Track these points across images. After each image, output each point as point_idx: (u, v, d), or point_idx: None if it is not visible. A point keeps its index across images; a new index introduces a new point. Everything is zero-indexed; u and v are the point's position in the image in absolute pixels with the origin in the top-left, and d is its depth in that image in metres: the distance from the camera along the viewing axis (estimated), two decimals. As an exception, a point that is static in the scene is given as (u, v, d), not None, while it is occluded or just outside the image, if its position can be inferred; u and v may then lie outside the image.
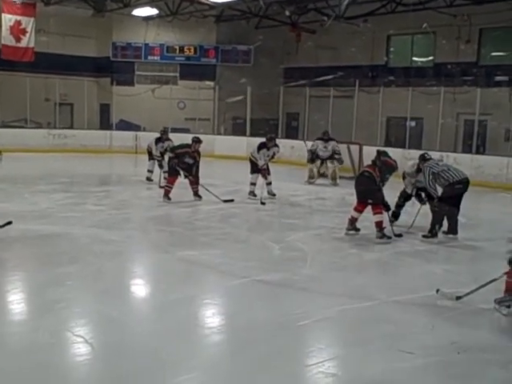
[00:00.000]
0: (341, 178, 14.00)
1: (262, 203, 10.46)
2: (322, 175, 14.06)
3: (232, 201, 10.70)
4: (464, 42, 18.28)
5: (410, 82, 18.29)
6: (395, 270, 6.79)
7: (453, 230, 8.11)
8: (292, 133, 21.26)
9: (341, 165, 14.03)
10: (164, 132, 12.97)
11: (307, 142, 15.94)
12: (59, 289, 5.46)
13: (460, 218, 8.14)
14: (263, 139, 11.56)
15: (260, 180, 11.20)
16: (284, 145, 15.50)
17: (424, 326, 4.90)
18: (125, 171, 15.70)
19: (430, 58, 19.73)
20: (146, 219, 9.32)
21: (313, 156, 13.86)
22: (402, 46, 20.82)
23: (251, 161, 11.29)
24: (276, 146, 11.42)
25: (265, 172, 11.18)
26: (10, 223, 7.23)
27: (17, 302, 5.22)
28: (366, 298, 5.53)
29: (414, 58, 20.49)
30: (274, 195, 11.25)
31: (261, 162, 11.04)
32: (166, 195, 10.46)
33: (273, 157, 11.42)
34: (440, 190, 7.92)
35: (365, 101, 18.34)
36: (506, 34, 17.69)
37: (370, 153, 14.87)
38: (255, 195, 10.97)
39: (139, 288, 6.07)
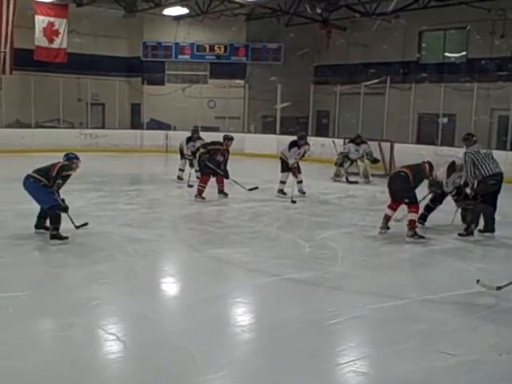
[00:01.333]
0: (373, 175, 13.93)
1: (293, 201, 10.45)
2: (352, 173, 13.99)
3: (257, 188, 11.06)
4: (498, 37, 17.94)
5: (442, 78, 18.07)
6: (427, 269, 6.70)
7: (489, 228, 7.99)
8: (322, 131, 21.16)
9: (374, 164, 13.95)
10: (195, 131, 13.05)
11: (335, 141, 15.85)
12: (93, 287, 5.54)
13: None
14: (293, 137, 11.55)
15: (291, 178, 11.19)
16: (314, 143, 15.41)
17: (457, 326, 4.84)
18: (156, 170, 15.83)
19: (463, 53, 19.44)
20: (177, 218, 9.37)
21: (344, 160, 13.82)
22: (435, 42, 20.52)
23: (282, 159, 11.28)
24: (307, 144, 11.35)
25: (295, 170, 11.17)
26: (86, 224, 7.51)
27: (50, 300, 5.29)
28: (398, 297, 5.48)
29: (447, 54, 20.21)
30: (304, 193, 11.23)
31: (291, 161, 11.01)
32: (200, 194, 10.50)
33: (303, 155, 11.38)
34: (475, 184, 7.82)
35: (396, 98, 18.17)
36: (542, 28, 17.33)
37: (401, 150, 14.84)
38: (285, 193, 10.97)
39: (171, 286, 6.12)
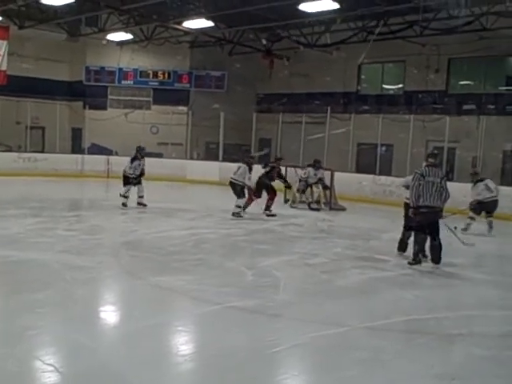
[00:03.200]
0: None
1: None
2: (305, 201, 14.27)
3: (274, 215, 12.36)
4: (433, 71, 18.71)
5: (380, 109, 18.62)
6: (367, 296, 6.82)
7: (433, 258, 7.97)
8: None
9: (325, 190, 14.28)
10: (141, 149, 12.97)
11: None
12: (30, 316, 5.37)
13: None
14: (236, 164, 12.32)
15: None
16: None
17: (396, 353, 4.94)
18: (96, 196, 15.60)
19: (400, 85, 20.13)
20: (119, 244, 9.23)
21: (306, 186, 14.13)
22: (373, 74, 21.23)
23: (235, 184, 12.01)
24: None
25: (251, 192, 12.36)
26: None
27: (-15, 330, 5.12)
28: (339, 325, 5.55)
29: (385, 86, 20.89)
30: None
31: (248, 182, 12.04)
32: (245, 208, 12.02)
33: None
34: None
35: (337, 127, 18.58)
36: (474, 64, 18.16)
37: (341, 178, 15.13)
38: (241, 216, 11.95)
39: (111, 315, 6.00)
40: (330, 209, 14.26)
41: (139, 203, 12.65)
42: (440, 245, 7.94)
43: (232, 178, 12.01)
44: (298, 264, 8.23)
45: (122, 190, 12.84)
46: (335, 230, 11.69)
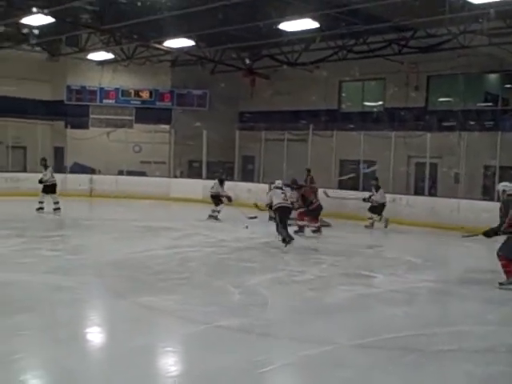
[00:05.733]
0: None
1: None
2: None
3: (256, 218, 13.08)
4: (413, 89, 18.93)
5: (362, 126, 18.75)
6: (355, 313, 6.81)
7: None
8: (248, 176, 21.42)
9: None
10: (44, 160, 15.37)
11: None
12: (13, 339, 5.28)
13: (415, 260, 8.24)
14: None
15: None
16: (241, 188, 15.59)
17: (386, 371, 4.93)
18: (79, 215, 15.45)
19: (381, 103, 20.33)
20: (103, 264, 9.12)
21: None
22: (354, 92, 21.42)
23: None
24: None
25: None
26: None
27: (-32, 355, 5.02)
28: (327, 342, 5.53)
29: (365, 103, 21.08)
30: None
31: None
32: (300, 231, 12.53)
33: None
34: None
35: (319, 144, 18.68)
36: (452, 81, 18.41)
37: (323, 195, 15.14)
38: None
39: (97, 336, 5.92)
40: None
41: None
42: None
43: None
44: (285, 281, 8.21)
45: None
46: (320, 246, 11.68)
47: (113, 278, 8.28)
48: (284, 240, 10.85)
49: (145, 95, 22.49)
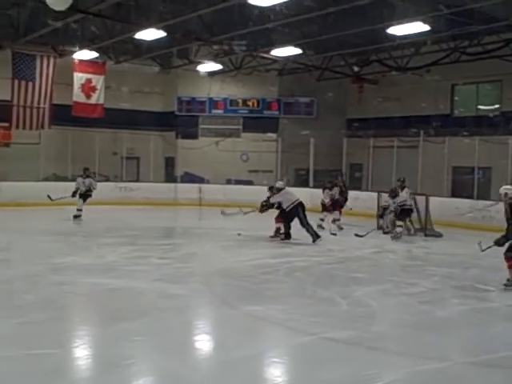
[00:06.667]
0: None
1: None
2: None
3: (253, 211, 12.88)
4: (532, 91, 17.88)
5: (476, 131, 17.94)
6: (469, 328, 6.47)
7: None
8: (356, 183, 21.09)
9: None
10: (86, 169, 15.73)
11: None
12: (126, 344, 5.44)
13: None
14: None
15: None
16: (348, 196, 15.35)
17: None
18: (189, 224, 15.86)
19: (497, 106, 19.36)
20: (212, 273, 9.27)
21: (384, 211, 13.89)
22: (467, 95, 20.53)
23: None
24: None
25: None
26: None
27: (85, 358, 5.23)
28: (439, 359, 5.26)
29: (480, 107, 20.15)
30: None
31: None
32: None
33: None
34: None
35: (430, 151, 18.07)
36: None
37: (436, 203, 14.60)
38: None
39: (206, 344, 5.98)
40: (426, 235, 13.76)
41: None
42: None
43: None
44: (393, 293, 7.94)
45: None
46: (431, 257, 11.23)
47: (220, 287, 8.38)
48: (316, 235, 11.93)
49: (252, 104, 22.79)
